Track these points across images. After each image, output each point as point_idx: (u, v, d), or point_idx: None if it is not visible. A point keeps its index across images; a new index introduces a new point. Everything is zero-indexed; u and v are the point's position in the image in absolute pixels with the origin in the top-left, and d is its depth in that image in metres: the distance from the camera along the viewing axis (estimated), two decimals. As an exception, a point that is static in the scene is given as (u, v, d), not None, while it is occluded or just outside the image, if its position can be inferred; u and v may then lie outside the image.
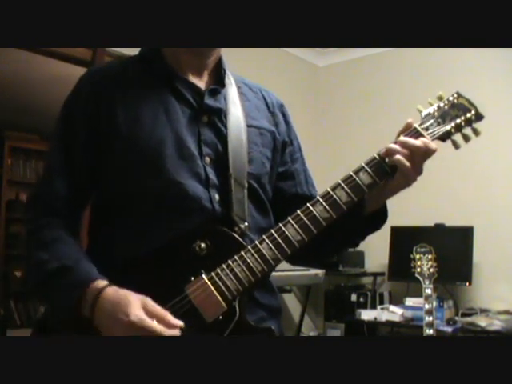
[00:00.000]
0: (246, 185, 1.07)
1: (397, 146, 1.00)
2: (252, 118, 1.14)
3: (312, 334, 4.09)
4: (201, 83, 1.11)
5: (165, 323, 0.90)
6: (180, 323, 0.92)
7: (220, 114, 1.10)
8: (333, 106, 4.48)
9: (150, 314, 0.90)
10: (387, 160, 1.01)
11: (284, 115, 1.23)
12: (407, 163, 0.99)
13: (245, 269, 0.97)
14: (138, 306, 0.90)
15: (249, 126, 1.12)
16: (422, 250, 2.66)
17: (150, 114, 1.04)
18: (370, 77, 4.25)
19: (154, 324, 0.89)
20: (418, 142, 1.00)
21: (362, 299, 3.68)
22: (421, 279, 2.61)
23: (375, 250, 3.70)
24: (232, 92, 1.14)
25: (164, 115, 1.05)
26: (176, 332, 0.91)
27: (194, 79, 1.11)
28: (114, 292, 0.93)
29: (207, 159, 1.05)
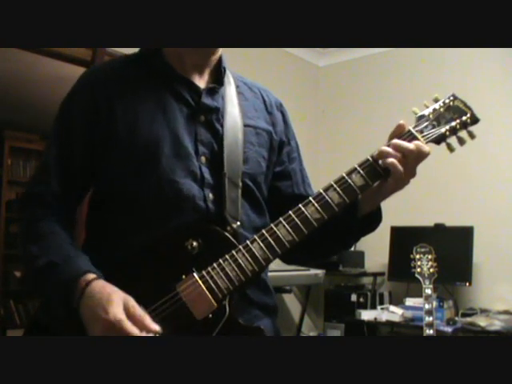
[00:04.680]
0: (241, 184, 1.07)
1: (389, 149, 1.00)
2: (249, 117, 1.14)
3: (312, 334, 4.09)
4: (200, 82, 1.12)
5: (142, 326, 0.90)
6: (157, 328, 0.91)
7: (217, 113, 1.10)
8: (333, 106, 4.48)
9: (130, 314, 0.90)
10: (380, 162, 1.01)
11: (282, 115, 1.23)
12: (400, 167, 0.99)
13: (236, 268, 0.97)
14: (119, 305, 0.90)
15: (245, 125, 1.12)
16: (422, 249, 2.65)
17: (148, 113, 1.05)
18: (370, 77, 4.25)
19: (130, 326, 0.89)
20: (410, 145, 0.99)
21: (362, 299, 3.68)
22: (421, 279, 2.61)
23: (375, 249, 3.70)
24: (230, 91, 1.14)
25: (162, 114, 1.05)
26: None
27: (194, 77, 1.11)
28: (99, 287, 0.94)
29: (203, 158, 1.06)
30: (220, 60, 1.15)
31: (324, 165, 4.20)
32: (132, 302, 0.92)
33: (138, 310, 0.91)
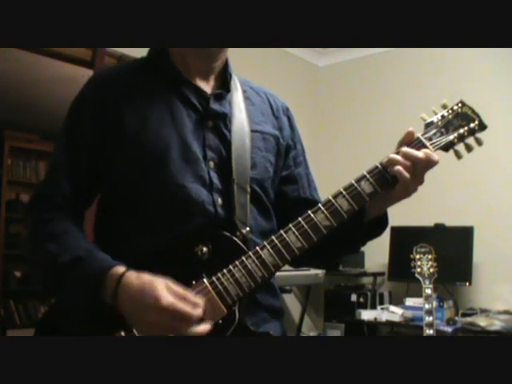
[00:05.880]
0: (249, 189, 1.07)
1: (399, 157, 1.00)
2: (256, 122, 1.15)
3: (312, 334, 4.09)
4: (207, 87, 1.12)
5: (188, 303, 0.91)
6: (200, 301, 0.93)
7: (225, 119, 1.11)
8: (333, 106, 4.48)
9: (175, 295, 0.91)
10: (389, 170, 1.01)
11: (289, 119, 1.23)
12: (408, 175, 0.99)
13: (245, 274, 0.97)
14: (163, 289, 0.91)
15: (253, 131, 1.13)
16: (422, 249, 2.65)
17: (156, 118, 1.05)
18: (370, 77, 4.25)
19: (183, 306, 0.90)
20: (420, 154, 1.00)
21: (362, 299, 3.68)
22: (421, 279, 2.61)
23: (375, 250, 3.69)
24: (237, 97, 1.15)
25: (170, 119, 1.06)
26: (200, 311, 0.92)
27: (200, 83, 1.12)
28: (136, 277, 0.94)
29: (211, 163, 1.06)
30: (226, 66, 1.16)
31: (324, 164, 4.20)
32: (170, 282, 0.93)
33: (179, 289, 0.92)
